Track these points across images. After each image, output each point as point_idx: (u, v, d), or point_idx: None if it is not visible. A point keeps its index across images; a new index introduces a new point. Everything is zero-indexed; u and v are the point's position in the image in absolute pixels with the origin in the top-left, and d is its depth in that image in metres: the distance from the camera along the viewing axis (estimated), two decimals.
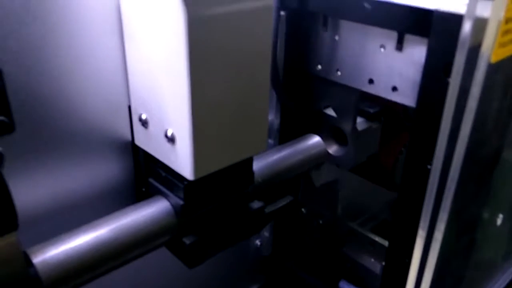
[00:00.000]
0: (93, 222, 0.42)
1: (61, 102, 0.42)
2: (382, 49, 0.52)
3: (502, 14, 0.37)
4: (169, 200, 0.46)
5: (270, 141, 0.66)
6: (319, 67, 0.59)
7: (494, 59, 0.38)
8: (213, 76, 0.39)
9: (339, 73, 0.57)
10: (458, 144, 0.37)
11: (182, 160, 0.42)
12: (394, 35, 0.50)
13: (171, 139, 0.42)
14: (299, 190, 0.70)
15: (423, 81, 0.46)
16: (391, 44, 0.51)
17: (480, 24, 0.37)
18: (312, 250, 0.74)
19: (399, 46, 0.50)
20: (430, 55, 0.45)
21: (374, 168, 0.70)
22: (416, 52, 0.48)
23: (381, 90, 0.53)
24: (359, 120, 0.62)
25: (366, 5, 0.49)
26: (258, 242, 0.74)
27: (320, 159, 0.61)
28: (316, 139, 0.62)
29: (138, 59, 0.43)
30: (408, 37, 0.49)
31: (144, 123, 0.45)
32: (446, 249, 0.44)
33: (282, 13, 0.56)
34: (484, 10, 0.36)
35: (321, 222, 0.70)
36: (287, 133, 0.64)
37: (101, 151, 0.47)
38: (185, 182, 0.43)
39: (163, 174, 0.46)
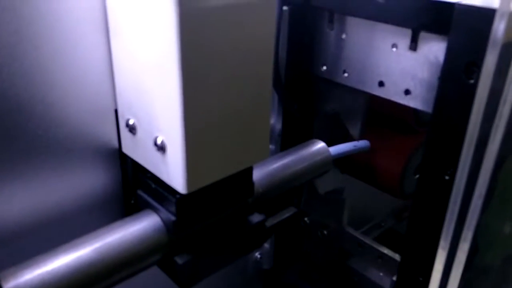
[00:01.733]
0: (74, 240, 0.39)
1: (39, 105, 0.39)
2: (393, 49, 0.49)
3: None
4: (159, 215, 0.42)
5: (271, 147, 0.62)
6: (324, 68, 0.56)
7: None
8: (208, 77, 0.36)
9: (346, 74, 0.54)
10: (487, 153, 0.33)
11: (173, 171, 0.37)
12: (407, 33, 0.47)
13: (161, 148, 0.37)
14: (301, 198, 0.66)
15: (441, 83, 0.43)
16: (404, 43, 0.48)
17: None
18: (316, 262, 0.70)
19: (413, 45, 0.47)
20: (450, 54, 0.42)
21: (379, 174, 0.66)
22: (432, 52, 0.46)
23: (392, 93, 0.51)
24: None
25: None
26: (258, 254, 0.71)
27: (325, 167, 0.57)
28: (320, 145, 0.58)
29: (125, 58, 0.39)
30: (423, 35, 0.46)
31: (132, 129, 0.41)
32: (468, 269, 0.40)
33: (284, 8, 0.53)
34: None
35: (325, 232, 0.66)
36: (290, 138, 0.61)
37: (84, 160, 0.44)
38: (177, 196, 0.39)
39: (153, 185, 0.42)
